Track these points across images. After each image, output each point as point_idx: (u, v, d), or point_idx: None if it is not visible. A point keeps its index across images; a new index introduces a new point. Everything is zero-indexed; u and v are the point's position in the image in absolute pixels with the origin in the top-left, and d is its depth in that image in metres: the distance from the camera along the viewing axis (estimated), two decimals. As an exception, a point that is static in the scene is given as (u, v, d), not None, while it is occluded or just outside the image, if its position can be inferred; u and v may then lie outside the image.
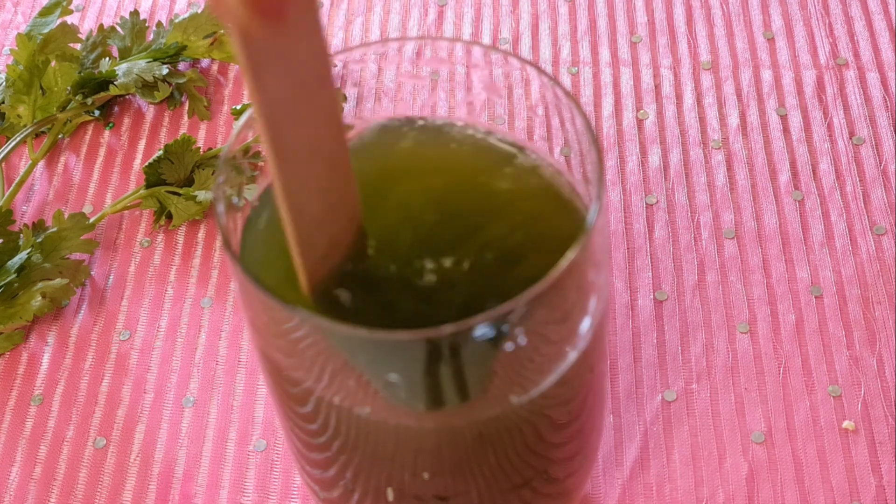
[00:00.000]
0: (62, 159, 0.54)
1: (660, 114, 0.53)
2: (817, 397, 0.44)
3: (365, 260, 0.32)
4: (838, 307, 0.47)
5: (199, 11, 0.56)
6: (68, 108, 0.53)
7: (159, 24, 0.56)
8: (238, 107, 0.55)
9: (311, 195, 0.29)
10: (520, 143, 0.34)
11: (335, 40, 0.58)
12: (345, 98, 0.50)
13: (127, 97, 0.56)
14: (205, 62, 0.57)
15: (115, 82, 0.53)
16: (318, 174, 0.29)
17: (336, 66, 0.52)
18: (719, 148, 0.52)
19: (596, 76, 0.55)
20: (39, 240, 0.48)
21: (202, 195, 0.50)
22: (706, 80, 0.55)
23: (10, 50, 0.54)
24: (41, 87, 0.53)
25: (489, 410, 0.31)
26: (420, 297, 0.31)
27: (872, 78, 0.54)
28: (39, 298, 0.47)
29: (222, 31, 0.56)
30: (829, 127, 0.52)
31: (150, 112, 0.55)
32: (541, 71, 0.32)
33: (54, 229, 0.49)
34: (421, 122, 0.35)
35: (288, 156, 0.28)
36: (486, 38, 0.57)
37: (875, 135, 0.52)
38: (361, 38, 0.58)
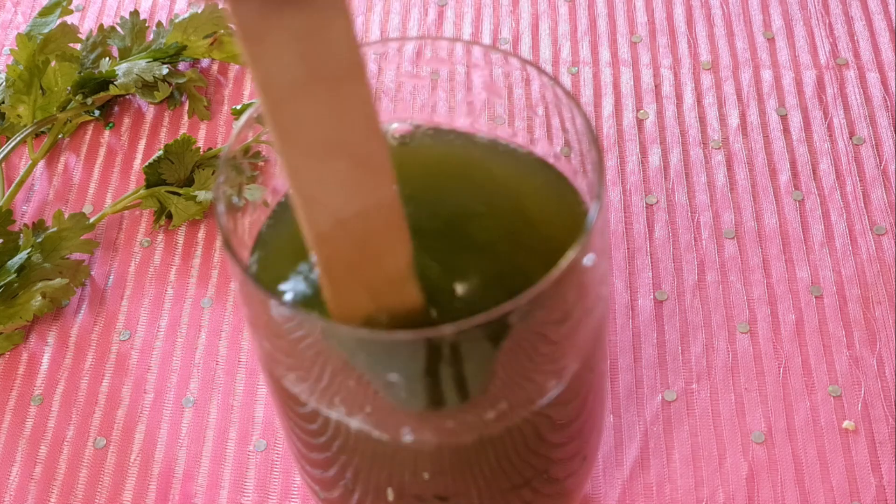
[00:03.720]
0: (62, 159, 0.54)
1: (660, 114, 0.53)
2: (817, 397, 0.44)
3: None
4: (838, 307, 0.47)
5: (199, 11, 0.56)
6: (68, 108, 0.53)
7: (159, 24, 0.56)
8: (238, 107, 0.55)
9: (332, 192, 0.28)
10: (518, 143, 0.34)
11: (335, 40, 0.58)
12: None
13: (127, 97, 0.56)
14: (205, 62, 0.57)
15: (115, 82, 0.53)
16: (339, 169, 0.28)
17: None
18: (719, 148, 0.52)
19: (596, 76, 0.55)
20: (39, 240, 0.48)
21: (202, 195, 0.50)
22: (706, 80, 0.55)
23: (10, 50, 0.54)
24: (41, 87, 0.53)
25: (489, 410, 0.31)
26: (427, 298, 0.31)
27: (872, 78, 0.54)
28: (39, 298, 0.47)
29: (222, 31, 0.56)
30: (829, 127, 0.52)
31: (150, 112, 0.56)
32: (541, 71, 0.32)
33: (54, 229, 0.49)
34: (421, 128, 0.35)
35: (299, 147, 0.27)
36: (486, 38, 0.57)
37: (875, 135, 0.52)
38: (361, 38, 0.58)
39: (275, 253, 0.33)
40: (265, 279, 0.32)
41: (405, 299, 0.30)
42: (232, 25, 0.25)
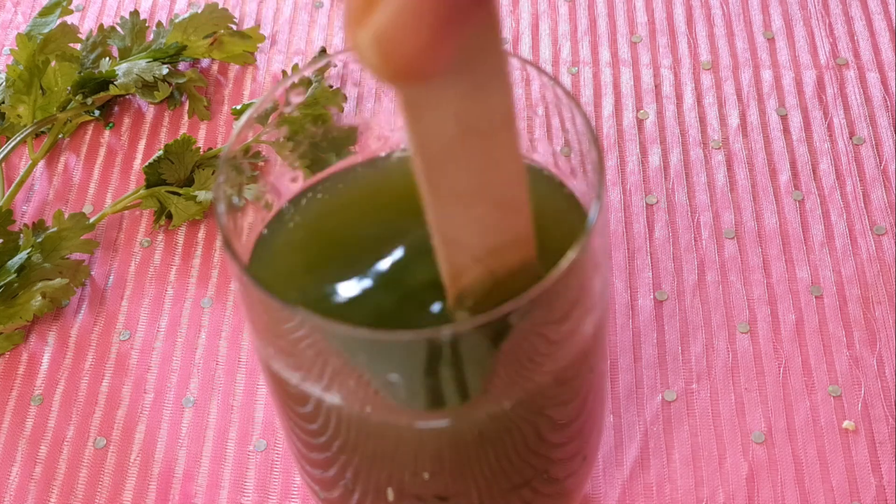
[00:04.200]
0: (62, 159, 0.54)
1: (660, 114, 0.53)
2: (817, 397, 0.44)
3: (370, 262, 0.32)
4: (838, 307, 0.47)
5: (199, 11, 0.56)
6: (68, 108, 0.53)
7: (159, 24, 0.56)
8: (238, 107, 0.55)
9: (472, 235, 0.28)
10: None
11: (335, 40, 0.58)
12: (345, 98, 0.50)
13: (127, 97, 0.56)
14: (205, 62, 0.57)
15: (115, 82, 0.53)
16: (482, 214, 0.28)
17: (336, 65, 0.52)
18: (719, 148, 0.52)
19: (596, 76, 0.55)
20: (39, 240, 0.48)
21: (202, 195, 0.50)
22: (706, 80, 0.55)
23: (10, 50, 0.54)
24: (41, 87, 0.53)
25: (489, 410, 0.31)
26: (421, 298, 0.31)
27: (872, 78, 0.54)
28: (39, 298, 0.47)
29: (222, 31, 0.56)
30: (829, 127, 0.52)
31: (150, 112, 0.56)
32: (541, 71, 0.32)
33: (54, 229, 0.49)
34: None
35: (446, 197, 0.27)
36: (486, 38, 0.57)
37: (875, 135, 0.52)
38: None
39: (275, 253, 0.33)
40: (265, 279, 0.32)
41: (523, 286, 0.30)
42: (395, 93, 0.25)
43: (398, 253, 0.32)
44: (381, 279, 0.32)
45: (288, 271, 0.32)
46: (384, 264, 0.32)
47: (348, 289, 0.32)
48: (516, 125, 0.27)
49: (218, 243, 0.50)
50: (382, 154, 0.35)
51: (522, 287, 0.29)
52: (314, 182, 0.34)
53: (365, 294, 0.32)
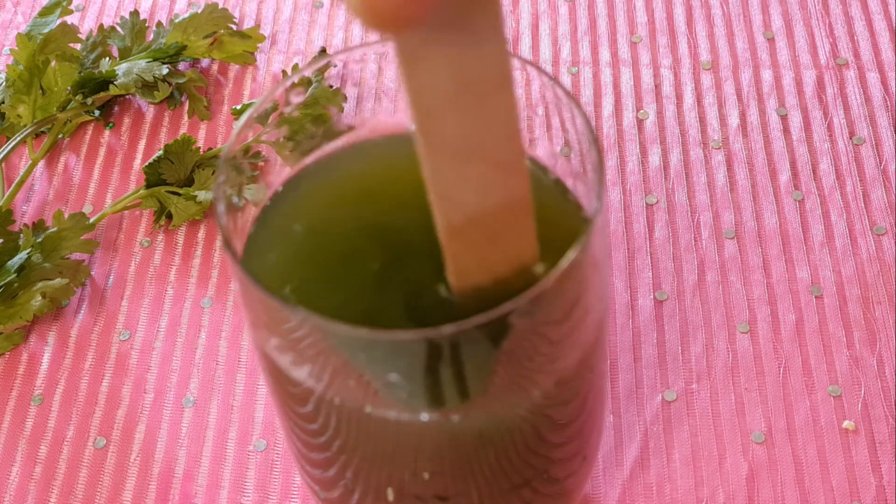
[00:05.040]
0: (62, 159, 0.54)
1: (660, 114, 0.53)
2: (817, 397, 0.44)
3: (367, 261, 0.32)
4: (838, 307, 0.47)
5: (199, 11, 0.56)
6: (68, 108, 0.53)
7: (159, 24, 0.56)
8: (238, 107, 0.55)
9: (468, 193, 0.29)
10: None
11: (335, 40, 0.58)
12: (344, 98, 0.50)
13: (127, 97, 0.56)
14: (205, 62, 0.57)
15: (115, 82, 0.53)
16: (477, 172, 0.28)
17: (336, 65, 0.52)
18: (719, 148, 0.52)
19: (596, 76, 0.55)
20: (39, 240, 0.48)
21: (202, 195, 0.50)
22: (706, 80, 0.55)
23: (10, 50, 0.54)
24: (41, 87, 0.53)
25: (489, 410, 0.31)
26: (421, 297, 0.31)
27: (872, 78, 0.54)
28: (39, 298, 0.47)
29: (222, 31, 0.56)
30: (829, 127, 0.52)
31: (150, 112, 0.56)
32: (541, 71, 0.32)
33: (54, 229, 0.49)
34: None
35: (442, 152, 0.28)
36: (486, 38, 0.57)
37: (875, 135, 0.52)
38: (362, 38, 0.58)
39: (274, 252, 0.33)
40: (264, 278, 0.32)
41: (522, 278, 0.30)
42: (392, 44, 0.25)
43: (397, 252, 0.32)
44: (380, 272, 0.32)
45: (281, 267, 0.32)
46: (380, 255, 0.32)
47: (345, 284, 0.32)
48: (513, 87, 0.27)
49: (218, 243, 0.50)
50: (363, 139, 0.35)
51: (522, 268, 0.29)
52: (297, 171, 0.34)
53: (363, 288, 0.32)
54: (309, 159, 0.35)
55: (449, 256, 0.30)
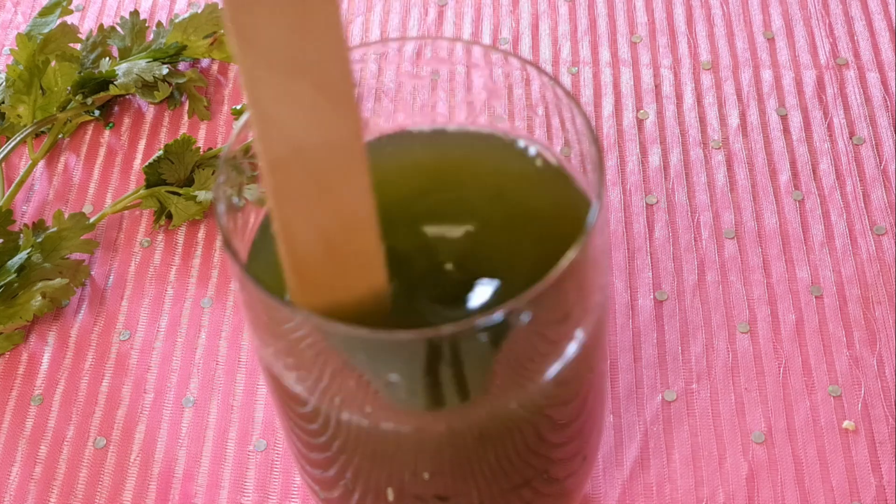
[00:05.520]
0: (62, 159, 0.54)
1: (660, 114, 0.53)
2: (817, 397, 0.44)
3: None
4: (838, 307, 0.47)
5: (199, 11, 0.56)
6: (68, 108, 0.53)
7: (159, 24, 0.56)
8: (238, 107, 0.55)
9: (291, 115, 0.27)
10: (519, 143, 0.34)
11: (335, 40, 0.58)
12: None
13: (127, 97, 0.56)
14: (205, 62, 0.57)
15: (115, 82, 0.53)
16: (303, 93, 0.26)
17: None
18: (719, 148, 0.52)
19: (596, 76, 0.55)
20: (39, 240, 0.48)
21: (202, 195, 0.50)
22: (706, 80, 0.55)
23: (10, 50, 0.54)
24: (41, 87, 0.53)
25: (489, 410, 0.31)
26: (420, 297, 0.31)
27: (872, 78, 0.54)
28: (39, 298, 0.47)
29: (222, 31, 0.56)
30: (829, 127, 0.52)
31: (150, 112, 0.56)
32: (541, 71, 0.32)
33: (54, 229, 0.49)
34: (416, 129, 0.35)
35: (259, 57, 0.26)
36: (486, 38, 0.57)
37: (875, 135, 0.52)
38: (361, 37, 0.58)
39: (274, 253, 0.33)
40: (265, 279, 0.32)
41: (362, 252, 0.28)
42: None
43: (396, 251, 0.32)
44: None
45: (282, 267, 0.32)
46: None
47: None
48: (337, 6, 0.26)
49: (218, 243, 0.50)
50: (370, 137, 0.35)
51: (352, 212, 0.27)
52: None
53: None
54: None
55: (271, 200, 0.27)
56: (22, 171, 0.52)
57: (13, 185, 0.51)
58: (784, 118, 0.53)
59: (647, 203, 0.50)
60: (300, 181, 0.27)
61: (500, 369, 0.30)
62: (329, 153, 0.27)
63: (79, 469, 0.44)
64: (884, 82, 0.54)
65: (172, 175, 0.51)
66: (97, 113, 0.55)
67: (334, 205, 0.28)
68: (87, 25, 0.59)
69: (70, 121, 0.54)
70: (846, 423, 0.44)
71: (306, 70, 0.26)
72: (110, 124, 0.55)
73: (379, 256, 0.29)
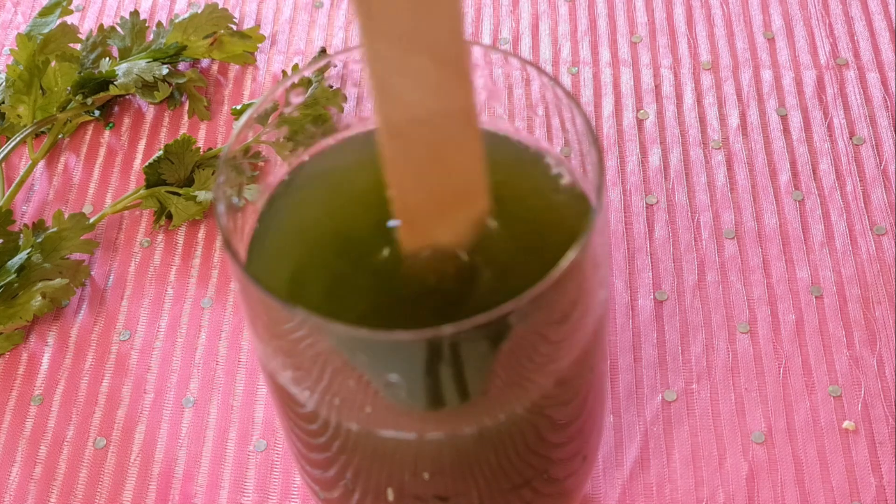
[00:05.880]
0: (62, 159, 0.54)
1: (660, 114, 0.53)
2: (817, 397, 0.44)
3: (362, 259, 0.32)
4: (838, 307, 0.47)
5: (199, 11, 0.56)
6: (68, 108, 0.53)
7: (159, 24, 0.57)
8: (238, 107, 0.55)
9: (410, 87, 0.27)
10: (520, 142, 0.34)
11: (335, 40, 0.58)
12: (345, 98, 0.50)
13: (127, 97, 0.56)
14: (205, 62, 0.57)
15: (115, 82, 0.53)
16: (419, 64, 0.27)
17: (336, 65, 0.52)
18: (719, 148, 0.52)
19: (596, 76, 0.55)
20: (39, 240, 0.48)
21: (202, 195, 0.50)
22: (706, 80, 0.55)
23: (10, 50, 0.54)
24: (41, 87, 0.53)
25: (489, 410, 0.31)
26: (420, 297, 0.31)
27: (872, 78, 0.54)
28: (39, 298, 0.47)
29: (222, 31, 0.56)
30: (829, 127, 0.52)
31: (150, 112, 0.56)
32: (541, 71, 0.32)
33: (54, 229, 0.49)
34: None
35: (382, 33, 0.26)
36: (486, 38, 0.57)
37: (875, 135, 0.52)
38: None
39: (274, 252, 0.33)
40: (265, 279, 0.32)
41: (470, 217, 0.29)
42: None
43: (396, 251, 0.32)
44: (381, 272, 0.32)
45: (283, 267, 0.32)
46: (382, 263, 0.32)
47: (345, 284, 0.32)
48: None
49: (218, 243, 0.50)
50: (358, 131, 0.35)
51: (463, 178, 0.28)
52: (295, 167, 0.34)
53: (364, 288, 0.32)
54: (306, 159, 0.34)
55: (388, 165, 0.28)
56: (22, 171, 0.52)
57: (13, 185, 0.51)
58: (784, 118, 0.53)
59: (647, 203, 0.50)
60: (417, 149, 0.28)
61: (500, 369, 0.30)
62: (445, 122, 0.28)
63: (79, 469, 0.44)
64: (884, 82, 0.54)
65: (172, 175, 0.51)
66: (97, 113, 0.55)
67: (447, 170, 0.29)
68: (87, 25, 0.59)
69: (70, 121, 0.54)
70: (846, 424, 0.44)
71: (425, 44, 0.27)
72: (110, 124, 0.55)
73: (485, 213, 0.30)
